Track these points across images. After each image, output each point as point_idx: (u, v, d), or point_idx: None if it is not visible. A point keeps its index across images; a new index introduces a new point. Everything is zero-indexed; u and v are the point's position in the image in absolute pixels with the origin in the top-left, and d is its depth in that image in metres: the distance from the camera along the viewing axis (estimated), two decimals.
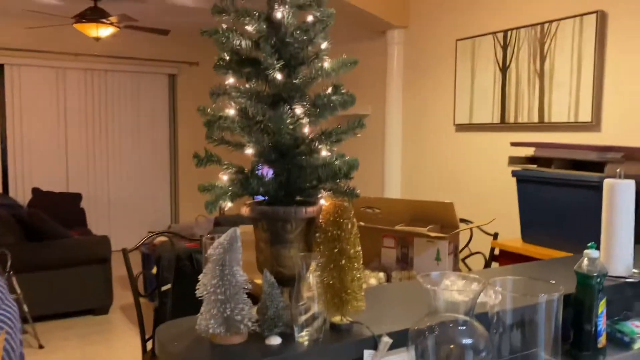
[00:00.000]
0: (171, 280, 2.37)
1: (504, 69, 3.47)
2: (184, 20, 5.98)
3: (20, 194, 6.07)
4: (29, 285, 3.79)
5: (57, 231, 4.12)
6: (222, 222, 3.67)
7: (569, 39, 3.06)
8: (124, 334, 3.93)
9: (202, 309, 1.02)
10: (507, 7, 3.49)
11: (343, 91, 1.14)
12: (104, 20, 4.81)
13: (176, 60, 6.88)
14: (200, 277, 1.03)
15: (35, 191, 5.83)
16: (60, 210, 5.41)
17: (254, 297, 1.06)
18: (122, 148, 6.74)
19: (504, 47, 3.46)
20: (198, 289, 1.02)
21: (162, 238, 4.28)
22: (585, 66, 2.98)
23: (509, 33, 3.42)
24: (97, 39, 4.98)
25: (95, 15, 4.78)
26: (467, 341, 1.00)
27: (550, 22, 3.15)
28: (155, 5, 5.28)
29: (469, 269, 2.89)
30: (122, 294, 4.81)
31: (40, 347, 3.63)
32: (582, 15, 2.98)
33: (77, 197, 6.01)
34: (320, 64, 1.12)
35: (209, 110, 1.11)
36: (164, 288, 2.35)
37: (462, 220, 3.03)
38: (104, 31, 4.93)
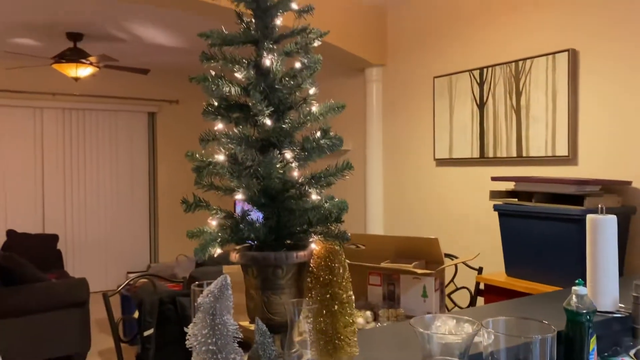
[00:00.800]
0: (154, 324, 2.31)
1: (481, 104, 3.55)
2: (163, 59, 6.02)
3: None
4: (5, 332, 3.65)
5: (34, 275, 4.00)
6: (204, 262, 3.61)
7: (543, 76, 3.15)
8: None
9: (192, 359, 0.99)
10: (482, 45, 3.60)
11: (331, 134, 1.15)
12: (84, 60, 4.82)
13: (156, 99, 6.88)
14: (190, 326, 1.01)
15: (10, 233, 5.69)
16: (36, 253, 5.27)
17: (243, 342, 1.04)
18: (99, 187, 6.66)
19: (481, 84, 3.55)
20: (187, 338, 0.99)
21: (143, 279, 4.19)
22: (559, 102, 3.07)
23: (485, 70, 3.51)
24: (77, 79, 4.97)
25: (74, 55, 4.79)
26: None
27: (524, 59, 3.25)
28: (134, 45, 5.31)
29: (455, 305, 2.88)
30: (101, 338, 4.66)
31: None
32: (554, 53, 3.09)
33: (54, 238, 5.87)
34: (308, 109, 1.13)
35: (197, 155, 1.10)
36: (146, 333, 2.29)
37: (447, 256, 3.04)
38: (83, 71, 4.93)
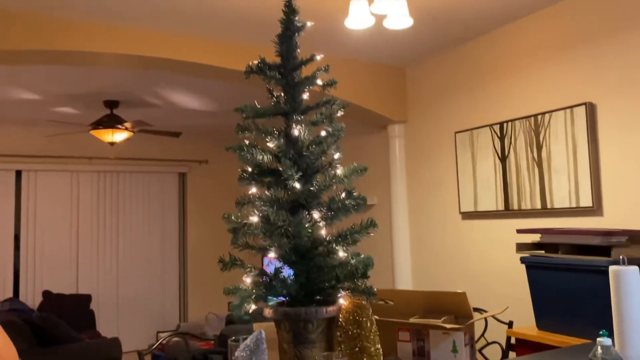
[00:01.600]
0: None
1: (503, 158, 3.62)
2: (193, 121, 6.30)
3: (31, 297, 6.07)
4: None
5: (69, 335, 4.09)
6: (234, 320, 3.66)
7: (562, 129, 3.22)
8: None
9: None
10: (501, 100, 3.71)
11: (355, 194, 1.24)
12: (119, 126, 5.09)
13: (186, 160, 7.14)
14: None
15: (46, 294, 5.84)
16: (70, 313, 5.39)
17: None
18: (132, 247, 6.82)
19: (501, 138, 3.63)
20: None
21: (175, 338, 4.24)
22: (580, 153, 3.12)
23: (505, 125, 3.60)
24: (112, 143, 5.23)
25: (111, 121, 5.06)
26: None
27: (543, 113, 3.34)
28: (166, 109, 5.59)
29: None
30: None
31: None
32: (572, 107, 3.17)
33: (87, 298, 6.00)
34: (333, 172, 1.23)
35: (233, 217, 1.20)
36: None
37: (476, 310, 3.03)
38: (119, 136, 5.19)
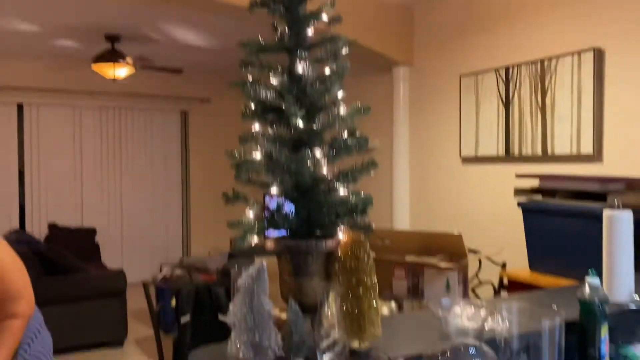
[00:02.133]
0: (190, 312, 2.46)
1: (507, 103, 3.60)
2: (195, 58, 6.21)
3: (37, 230, 6.20)
4: (48, 319, 3.87)
5: (75, 265, 4.22)
6: (236, 255, 3.77)
7: (569, 75, 3.19)
8: None
9: (232, 335, 1.12)
10: (508, 44, 3.64)
11: (358, 135, 1.26)
12: (121, 60, 5.02)
13: (188, 97, 7.09)
14: (230, 306, 1.13)
15: (52, 227, 5.96)
16: (76, 245, 5.52)
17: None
18: (135, 183, 6.90)
19: (506, 82, 3.59)
20: (229, 316, 1.11)
21: (178, 271, 4.37)
22: (585, 100, 3.10)
23: (511, 69, 3.56)
24: (114, 79, 5.19)
25: (112, 56, 4.99)
26: None
27: (550, 58, 3.29)
28: (168, 45, 5.50)
29: (479, 298, 2.95)
30: (136, 327, 4.87)
31: None
32: (579, 52, 3.12)
33: (92, 232, 6.13)
34: (336, 111, 1.24)
35: (236, 153, 1.22)
36: (183, 320, 2.44)
37: (471, 251, 3.11)
38: (121, 71, 5.14)
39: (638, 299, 1.64)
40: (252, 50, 1.23)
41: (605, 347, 1.37)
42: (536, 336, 1.21)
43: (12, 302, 1.45)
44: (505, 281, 3.00)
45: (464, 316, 1.24)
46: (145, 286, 2.52)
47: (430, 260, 2.53)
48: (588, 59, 3.07)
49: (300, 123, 1.18)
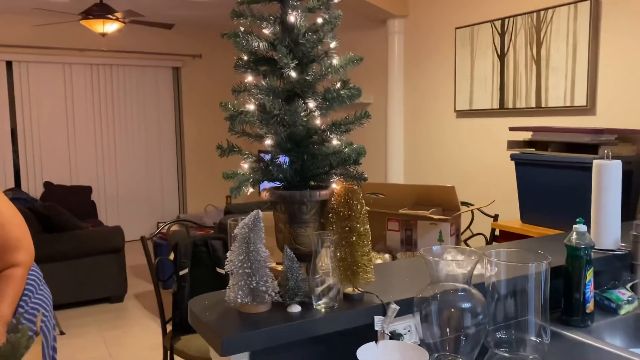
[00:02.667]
0: (189, 265, 2.51)
1: (502, 55, 3.57)
2: (187, 13, 6.08)
3: (32, 188, 6.22)
4: (48, 275, 3.93)
5: (73, 223, 4.26)
6: (232, 211, 3.80)
7: (564, 25, 3.16)
8: (140, 319, 4.09)
9: (230, 282, 1.15)
10: None
11: (350, 85, 1.26)
12: (110, 16, 4.91)
13: (180, 54, 6.98)
14: (228, 254, 1.16)
15: (47, 185, 5.98)
16: (72, 203, 5.55)
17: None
18: (129, 141, 6.88)
19: (502, 35, 3.56)
20: (227, 263, 1.15)
21: (175, 227, 4.43)
22: (580, 51, 3.08)
23: (507, 21, 3.51)
24: (103, 34, 5.09)
25: (101, 11, 4.88)
26: (466, 305, 1.13)
27: (546, 9, 3.25)
28: None
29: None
30: (136, 282, 4.97)
31: (62, 333, 3.79)
32: (576, 2, 3.08)
33: (88, 189, 6.16)
34: (329, 62, 1.24)
35: (230, 105, 1.23)
36: (181, 272, 2.49)
37: (464, 203, 3.16)
38: (110, 27, 5.03)
39: (623, 246, 1.69)
40: (243, 1, 1.22)
41: (590, 291, 1.43)
42: (523, 280, 1.25)
43: (13, 251, 1.48)
44: (497, 232, 3.07)
45: (453, 263, 1.28)
46: (143, 240, 2.56)
47: (423, 212, 2.57)
48: (584, 9, 3.04)
49: (293, 74, 1.18)
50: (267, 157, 1.29)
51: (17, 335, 1.37)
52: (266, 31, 1.20)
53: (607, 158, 1.67)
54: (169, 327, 2.62)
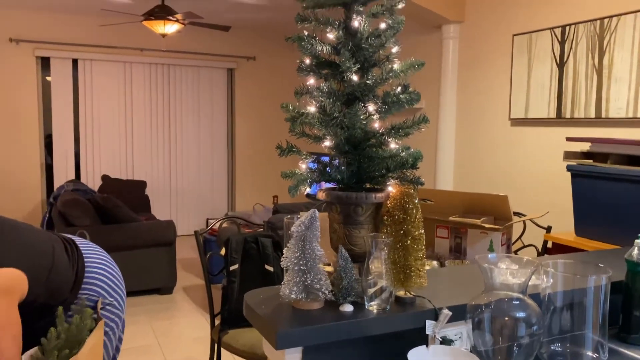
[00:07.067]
0: (239, 260, 2.57)
1: (561, 64, 3.48)
2: (242, 16, 6.21)
3: (91, 180, 6.50)
4: None
5: (129, 215, 4.43)
6: (280, 210, 3.86)
7: (630, 34, 3.05)
8: (188, 312, 4.21)
9: (285, 278, 1.19)
10: (565, 2, 3.50)
11: (410, 90, 1.27)
12: (171, 17, 5.09)
13: (235, 55, 7.14)
14: (284, 250, 1.20)
15: (105, 178, 6.23)
16: (128, 196, 5.77)
17: None
18: (183, 138, 7.09)
19: (562, 43, 3.47)
20: (283, 259, 1.18)
21: (225, 224, 4.53)
22: None
23: (567, 28, 3.42)
24: (164, 35, 5.27)
25: (162, 12, 5.06)
26: (521, 315, 1.12)
27: (610, 17, 3.15)
28: (216, 2, 5.52)
29: None
30: (184, 275, 5.11)
31: None
32: None
33: (142, 184, 6.38)
34: (390, 66, 1.25)
35: (291, 107, 1.26)
36: (232, 268, 2.55)
37: (516, 214, 3.10)
38: (170, 28, 5.21)
39: None
40: (308, 5, 1.25)
41: None
42: (581, 294, 1.22)
43: None
44: (550, 245, 2.99)
45: (508, 272, 1.27)
46: (197, 235, 2.64)
47: (474, 220, 2.54)
48: None
49: (354, 77, 1.21)
50: (325, 158, 1.32)
51: (81, 317, 1.45)
52: (330, 35, 1.23)
53: None
54: (216, 321, 2.69)
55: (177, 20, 5.15)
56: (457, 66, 4.47)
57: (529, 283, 1.18)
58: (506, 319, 1.13)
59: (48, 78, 6.37)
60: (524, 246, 3.07)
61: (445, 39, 4.50)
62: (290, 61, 7.21)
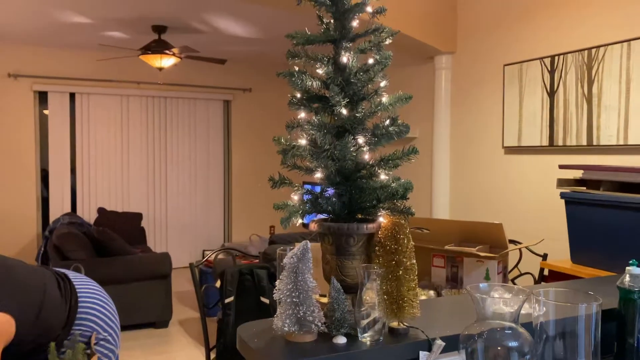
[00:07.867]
0: (234, 293, 2.56)
1: (551, 93, 3.54)
2: (238, 49, 6.32)
3: (87, 213, 6.49)
4: None
5: (124, 248, 4.41)
6: (277, 240, 3.86)
7: (617, 64, 3.12)
8: (184, 346, 4.16)
9: (278, 310, 1.19)
10: (553, 33, 3.58)
11: (399, 122, 1.30)
12: (167, 51, 5.18)
13: (231, 87, 7.23)
14: (277, 283, 1.20)
15: (101, 210, 6.23)
16: (124, 229, 5.76)
17: None
18: (179, 170, 7.11)
19: (551, 72, 3.54)
20: (275, 292, 1.18)
21: (221, 255, 4.51)
22: (634, 89, 3.03)
23: (556, 58, 3.50)
24: (160, 68, 5.35)
25: (159, 47, 5.15)
26: (513, 344, 1.12)
27: (598, 47, 3.22)
28: (212, 36, 5.62)
29: None
30: (180, 308, 5.06)
31: None
32: (629, 40, 3.04)
33: (138, 216, 6.37)
34: (379, 99, 1.28)
35: (283, 140, 1.29)
36: (227, 300, 2.54)
37: (512, 242, 3.10)
38: (167, 61, 5.30)
39: None
40: (298, 42, 1.29)
41: None
42: (572, 322, 1.22)
43: None
44: (546, 272, 2.98)
45: (501, 301, 1.27)
46: (192, 267, 2.63)
47: (470, 249, 2.54)
48: (638, 47, 3.00)
49: (344, 111, 1.23)
50: (316, 189, 1.34)
51: (73, 353, 1.44)
52: (319, 71, 1.26)
53: None
54: (212, 355, 2.66)
55: (174, 54, 5.24)
56: (450, 96, 4.54)
57: (522, 312, 1.18)
58: (499, 348, 1.13)
59: (45, 111, 6.42)
60: (521, 274, 3.07)
61: (438, 70, 4.58)
62: (285, 93, 7.28)
